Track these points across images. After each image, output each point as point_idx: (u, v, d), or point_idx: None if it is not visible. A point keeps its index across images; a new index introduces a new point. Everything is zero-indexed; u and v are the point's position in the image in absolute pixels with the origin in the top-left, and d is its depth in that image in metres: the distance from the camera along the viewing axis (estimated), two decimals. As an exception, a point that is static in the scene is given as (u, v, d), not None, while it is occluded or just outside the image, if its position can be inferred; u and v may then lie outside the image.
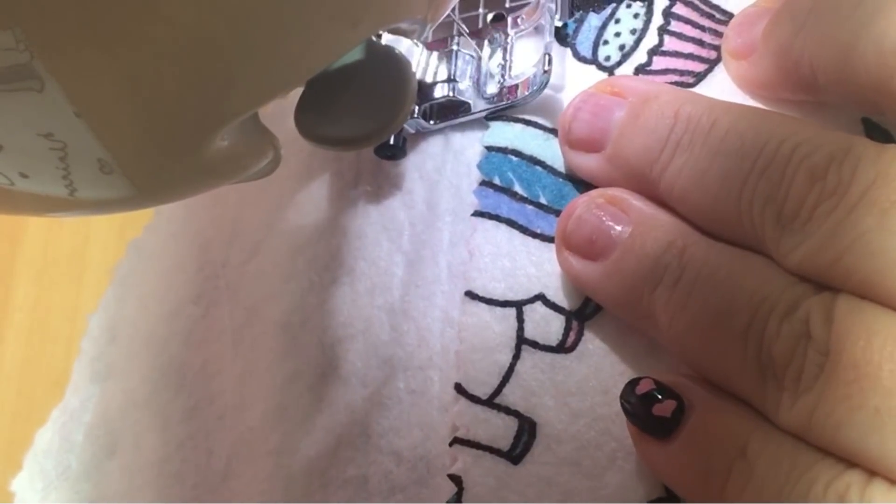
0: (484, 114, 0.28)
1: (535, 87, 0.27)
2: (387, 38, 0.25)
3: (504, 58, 0.29)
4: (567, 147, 0.26)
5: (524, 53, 0.29)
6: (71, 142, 0.18)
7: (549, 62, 0.27)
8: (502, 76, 0.29)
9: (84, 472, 0.34)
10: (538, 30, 0.29)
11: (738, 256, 0.22)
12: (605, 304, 0.24)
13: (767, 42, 0.24)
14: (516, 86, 0.28)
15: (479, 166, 0.28)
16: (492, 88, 0.29)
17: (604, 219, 0.24)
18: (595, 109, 0.25)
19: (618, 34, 0.28)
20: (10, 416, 0.48)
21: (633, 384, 0.22)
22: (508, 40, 0.29)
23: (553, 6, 0.28)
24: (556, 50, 0.28)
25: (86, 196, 0.20)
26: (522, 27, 0.29)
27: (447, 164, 0.29)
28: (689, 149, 0.23)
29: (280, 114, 0.27)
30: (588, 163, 0.25)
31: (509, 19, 0.29)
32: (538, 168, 0.27)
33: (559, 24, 0.28)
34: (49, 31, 0.16)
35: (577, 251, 0.24)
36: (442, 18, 0.24)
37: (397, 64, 0.23)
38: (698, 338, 0.22)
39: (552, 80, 0.27)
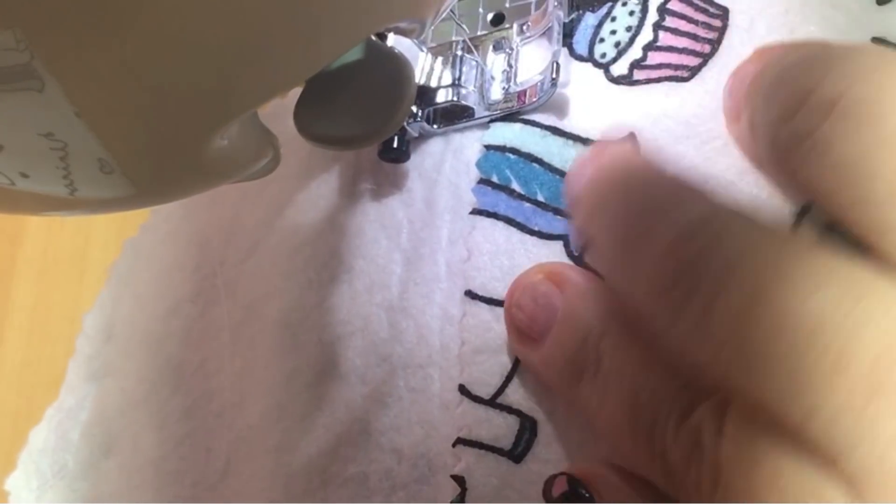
0: (487, 119, 0.29)
1: (542, 95, 0.27)
2: (390, 39, 0.25)
3: (509, 63, 0.29)
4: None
5: (528, 58, 0.29)
6: (71, 141, 0.18)
7: (558, 70, 0.27)
8: (507, 82, 0.29)
9: (81, 470, 0.34)
10: (546, 34, 0.29)
11: (644, 349, 0.21)
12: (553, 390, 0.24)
13: (745, 117, 0.23)
14: (524, 91, 0.28)
15: (478, 164, 0.28)
16: (496, 94, 0.29)
17: (539, 301, 0.24)
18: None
19: (613, 31, 0.28)
20: (10, 417, 0.47)
21: (549, 483, 0.22)
22: (514, 46, 0.29)
23: (561, 14, 0.28)
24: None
25: (86, 195, 0.20)
26: (528, 34, 0.29)
27: (446, 162, 0.29)
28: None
29: (279, 113, 0.27)
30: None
31: (515, 26, 0.29)
32: (535, 165, 0.27)
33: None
34: (49, 32, 0.16)
35: (521, 334, 0.25)
36: (441, 17, 0.24)
37: (397, 64, 0.23)
38: (614, 436, 0.22)
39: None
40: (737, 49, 0.26)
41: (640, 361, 0.21)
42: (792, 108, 0.19)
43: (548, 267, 0.25)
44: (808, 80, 0.19)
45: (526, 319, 0.24)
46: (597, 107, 0.27)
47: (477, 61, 0.29)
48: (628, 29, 0.28)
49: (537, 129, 0.28)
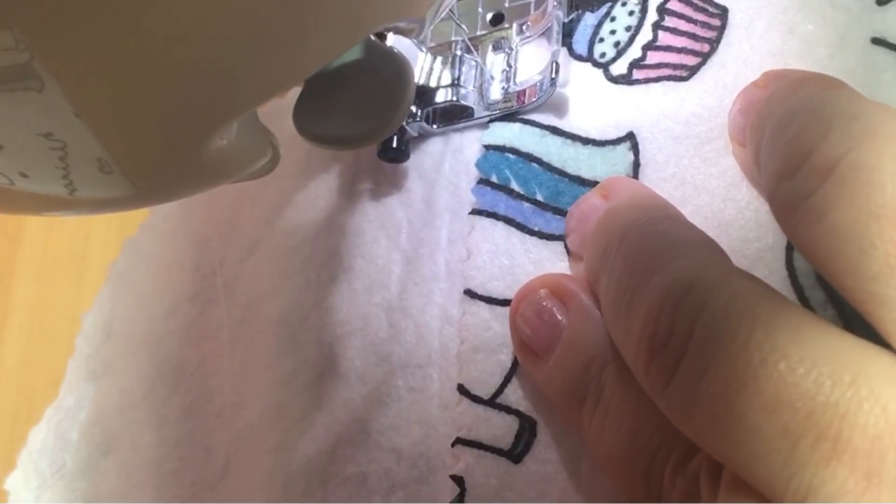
0: (486, 119, 0.29)
1: (541, 95, 0.27)
2: (390, 39, 0.25)
3: (508, 63, 0.29)
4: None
5: (528, 58, 0.29)
6: (70, 141, 0.18)
7: (557, 70, 0.27)
8: (506, 81, 0.29)
9: (80, 470, 0.33)
10: (545, 34, 0.29)
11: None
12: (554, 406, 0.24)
13: (750, 149, 0.23)
14: (524, 91, 0.28)
15: (477, 164, 0.28)
16: (495, 94, 0.29)
17: (544, 317, 0.24)
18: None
19: (613, 31, 0.28)
20: (10, 416, 0.47)
21: None
22: (513, 46, 0.29)
23: (561, 13, 0.28)
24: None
25: (85, 195, 0.20)
26: (528, 34, 0.29)
27: (445, 162, 0.29)
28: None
29: (279, 112, 0.27)
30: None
31: (515, 26, 0.29)
32: (534, 165, 0.27)
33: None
34: (48, 32, 0.16)
35: (524, 347, 0.24)
36: (441, 17, 0.24)
37: (396, 63, 0.23)
38: (612, 466, 0.21)
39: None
40: (736, 48, 0.26)
41: (641, 398, 0.21)
42: (791, 167, 0.19)
43: (553, 281, 0.24)
44: (809, 139, 0.18)
45: (530, 334, 0.24)
46: (596, 106, 0.27)
47: (476, 61, 0.29)
48: (628, 29, 0.28)
49: (536, 129, 0.28)
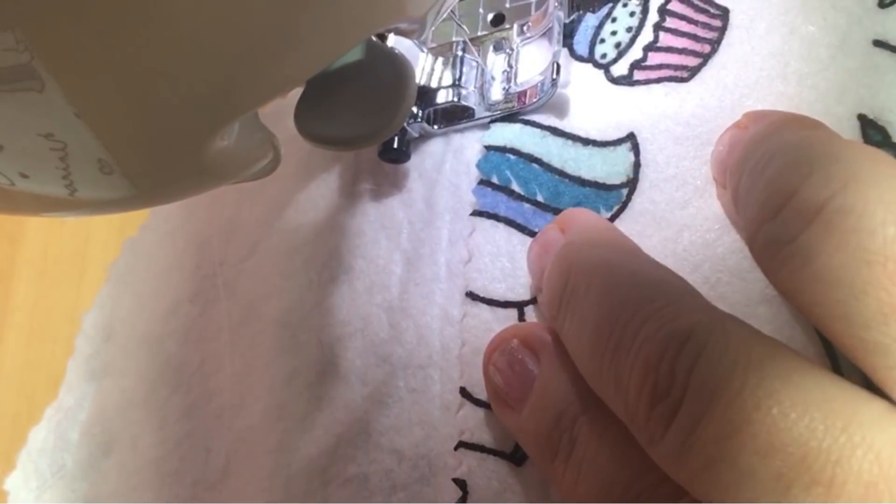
0: (487, 119, 0.29)
1: (542, 95, 0.27)
2: (391, 40, 0.25)
3: (509, 63, 0.29)
4: None
5: (529, 59, 0.29)
6: (71, 142, 0.18)
7: (558, 71, 0.27)
8: (507, 82, 0.29)
9: (80, 470, 0.33)
10: (546, 35, 0.29)
11: (619, 435, 0.20)
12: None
13: (729, 189, 0.23)
14: (525, 92, 0.28)
15: (478, 165, 0.28)
16: (496, 94, 0.29)
17: (515, 367, 0.24)
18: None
19: (614, 32, 0.28)
20: (10, 416, 0.47)
21: None
22: (514, 46, 0.29)
23: (562, 14, 0.28)
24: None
25: (86, 196, 0.20)
26: (529, 35, 0.29)
27: (446, 163, 0.29)
28: (576, 308, 0.22)
29: (279, 113, 0.27)
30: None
31: (516, 27, 0.29)
32: (535, 166, 0.27)
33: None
34: (49, 32, 0.16)
35: (498, 397, 0.24)
36: (442, 18, 0.24)
37: (397, 64, 0.23)
38: None
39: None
40: (737, 48, 0.26)
41: (616, 450, 0.20)
42: (772, 209, 0.19)
43: (525, 330, 0.24)
44: (790, 180, 0.18)
45: (502, 385, 0.24)
46: (597, 107, 0.27)
47: (477, 62, 0.29)
48: (629, 29, 0.28)
49: (537, 130, 0.28)
